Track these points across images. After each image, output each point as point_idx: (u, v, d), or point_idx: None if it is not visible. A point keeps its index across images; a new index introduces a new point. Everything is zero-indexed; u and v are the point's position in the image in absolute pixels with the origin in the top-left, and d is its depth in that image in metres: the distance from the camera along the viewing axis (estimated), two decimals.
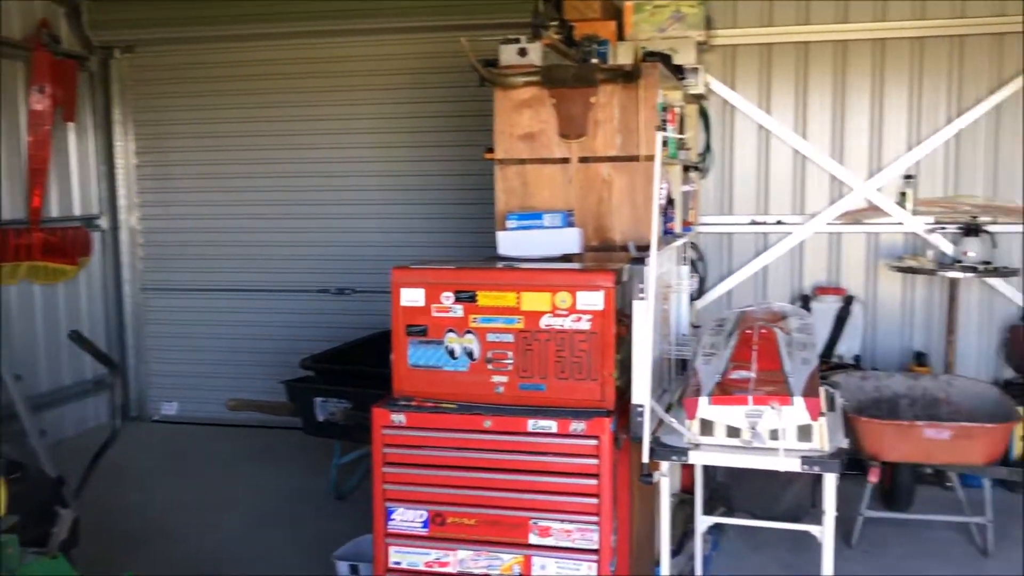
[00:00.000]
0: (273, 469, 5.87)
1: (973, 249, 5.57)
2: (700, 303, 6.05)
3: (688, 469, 4.30)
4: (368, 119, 6.67)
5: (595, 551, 3.17)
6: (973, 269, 5.47)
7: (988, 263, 5.54)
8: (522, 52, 4.25)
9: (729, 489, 4.30)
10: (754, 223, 6.18)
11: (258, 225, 6.93)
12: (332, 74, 6.68)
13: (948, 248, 5.79)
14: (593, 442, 3.14)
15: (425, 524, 3.33)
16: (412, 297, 3.37)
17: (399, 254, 6.23)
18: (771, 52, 6.06)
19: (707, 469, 4.06)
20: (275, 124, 6.79)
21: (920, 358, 5.82)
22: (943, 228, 5.82)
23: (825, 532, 3.22)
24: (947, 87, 5.83)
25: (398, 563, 3.36)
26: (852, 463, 4.66)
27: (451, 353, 3.33)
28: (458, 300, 3.31)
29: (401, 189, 6.67)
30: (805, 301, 6.02)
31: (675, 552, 4.18)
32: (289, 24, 6.53)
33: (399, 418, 3.32)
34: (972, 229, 5.62)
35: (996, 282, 5.79)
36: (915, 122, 5.90)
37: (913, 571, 4.23)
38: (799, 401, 2.92)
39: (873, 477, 4.24)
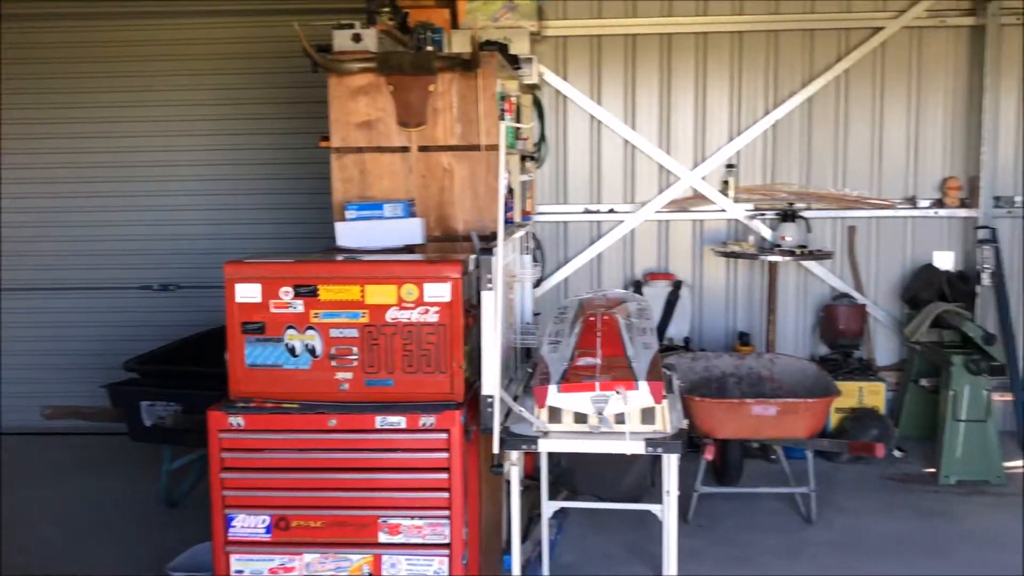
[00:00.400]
0: (96, 478, 5.49)
1: (790, 234, 5.90)
2: (539, 291, 6.12)
3: (531, 456, 4.35)
4: (199, 105, 6.35)
5: (447, 546, 3.13)
6: (790, 253, 5.80)
7: (804, 247, 5.88)
8: (356, 38, 4.13)
9: (573, 473, 4.37)
10: (588, 212, 6.31)
11: (75, 218, 6.46)
12: (158, 58, 6.32)
13: (767, 233, 6.11)
14: (443, 436, 3.10)
15: (268, 529, 3.19)
16: (248, 293, 3.21)
17: (233, 247, 6.00)
18: (601, 44, 6.19)
19: (552, 455, 4.11)
20: (95, 110, 6.34)
21: (744, 338, 6.13)
22: (762, 214, 6.14)
23: (667, 511, 3.32)
24: (764, 80, 6.15)
25: (240, 571, 3.20)
26: (687, 441, 4.87)
27: (292, 351, 3.20)
28: (298, 295, 3.18)
29: (234, 179, 6.39)
30: (637, 287, 6.21)
31: (521, 539, 4.21)
32: (111, 4, 6.17)
33: (237, 421, 3.16)
34: (789, 215, 5.96)
35: (811, 265, 6.17)
36: (736, 113, 6.19)
37: (745, 542, 4.45)
38: (643, 385, 2.99)
39: (709, 455, 4.42)
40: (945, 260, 6.06)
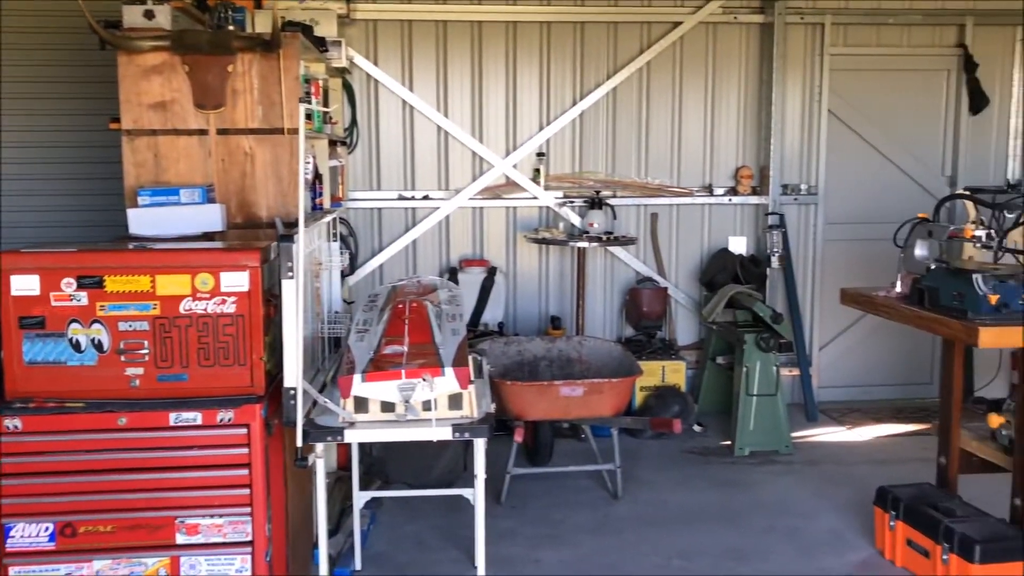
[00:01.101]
0: None
1: (597, 221, 6.09)
2: (353, 279, 6.03)
3: (344, 447, 4.29)
4: None
5: (249, 543, 3.04)
6: (598, 239, 5.98)
7: (610, 233, 6.09)
8: (148, 15, 3.91)
9: (384, 463, 4.35)
10: (402, 198, 6.27)
11: None
12: None
13: (576, 220, 6.28)
14: (242, 431, 3.00)
15: (52, 537, 2.99)
16: (25, 285, 2.99)
17: (18, 236, 5.57)
18: (412, 29, 6.15)
19: (363, 445, 4.07)
20: None
21: (556, 322, 6.28)
22: (571, 202, 6.31)
23: (476, 494, 3.36)
24: (572, 71, 6.29)
25: None
26: (499, 424, 4.94)
27: (76, 346, 3.00)
28: (81, 287, 2.98)
29: (14, 163, 5.90)
30: (453, 273, 6.23)
31: (333, 531, 4.15)
32: None
33: (14, 423, 2.94)
34: (596, 202, 6.15)
35: (617, 250, 6.40)
36: (545, 103, 6.31)
37: (556, 519, 4.57)
38: (449, 371, 3.01)
39: (518, 437, 4.50)
40: (739, 245, 6.44)
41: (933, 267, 3.83)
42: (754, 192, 6.44)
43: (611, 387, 4.63)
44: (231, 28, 4.11)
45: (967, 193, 4.10)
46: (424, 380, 2.97)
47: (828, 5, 6.32)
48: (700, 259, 6.50)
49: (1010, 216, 3.74)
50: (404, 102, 6.19)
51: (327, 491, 3.37)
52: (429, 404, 3.08)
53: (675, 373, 6.03)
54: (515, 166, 6.30)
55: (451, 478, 4.40)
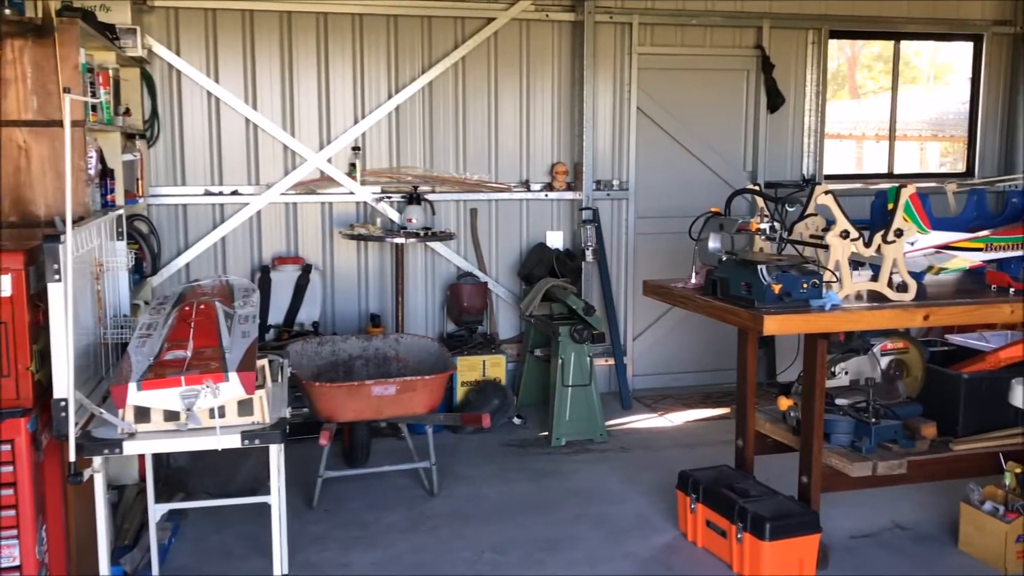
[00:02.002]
0: None
1: (416, 216, 6.04)
2: (156, 279, 5.73)
3: (143, 457, 4.05)
4: None
5: (16, 568, 2.81)
6: (416, 235, 5.93)
7: (429, 229, 6.05)
8: None
9: (185, 472, 4.14)
10: (209, 194, 6.01)
11: None
12: None
13: (395, 216, 6.21)
14: (7, 447, 2.77)
15: None
16: None
17: None
18: (216, 18, 5.89)
19: (160, 455, 3.86)
20: None
21: (375, 319, 6.19)
22: (389, 197, 6.23)
23: (273, 501, 3.24)
24: (387, 64, 6.21)
25: None
26: (311, 427, 4.81)
27: None
28: None
29: None
30: (265, 272, 6.03)
31: (130, 546, 3.93)
32: None
33: None
34: (414, 198, 6.09)
35: (437, 245, 6.37)
36: (360, 96, 6.20)
37: (369, 521, 4.49)
38: (234, 377, 2.88)
39: (324, 440, 4.39)
40: (556, 239, 6.55)
41: (724, 259, 4.00)
42: (569, 188, 6.56)
43: (424, 384, 4.60)
44: (7, 11, 3.79)
45: (754, 188, 4.30)
46: (207, 387, 2.83)
47: (635, 5, 6.52)
48: (519, 254, 6.57)
49: (791, 210, 3.95)
50: (209, 94, 5.93)
51: (127, 505, 3.17)
52: (216, 411, 2.94)
53: (496, 367, 6.06)
54: (330, 160, 6.16)
55: (255, 485, 4.24)
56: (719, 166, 6.87)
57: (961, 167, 7.67)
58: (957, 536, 4.18)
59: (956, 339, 4.90)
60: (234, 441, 2.93)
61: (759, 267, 3.68)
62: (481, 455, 5.45)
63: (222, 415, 2.94)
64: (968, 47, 7.47)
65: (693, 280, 4.17)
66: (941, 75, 7.70)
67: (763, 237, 3.97)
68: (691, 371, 6.93)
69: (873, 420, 4.00)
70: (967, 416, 4.19)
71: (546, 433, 5.74)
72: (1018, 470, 4.02)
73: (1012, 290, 4.03)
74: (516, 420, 6.00)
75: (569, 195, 6.55)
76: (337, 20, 6.09)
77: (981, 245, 4.11)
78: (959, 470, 4.12)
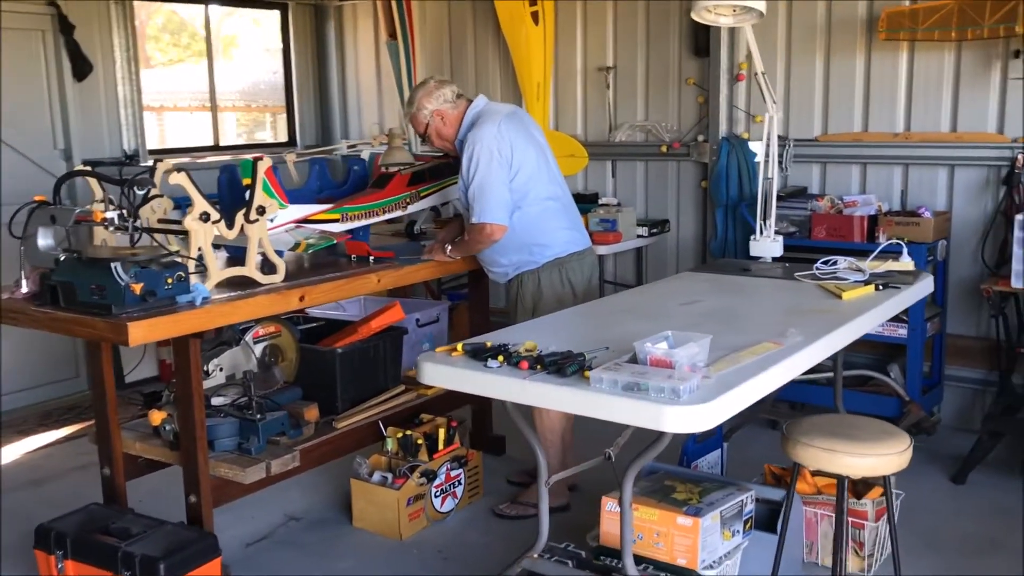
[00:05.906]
0: None
1: None
2: None
3: None
4: None
5: None
6: None
7: None
8: None
9: None
10: None
11: None
12: None
13: None
14: None
15: None
16: None
17: None
18: None
19: None
20: None
21: None
22: None
23: None
24: None
25: None
26: None
27: None
28: None
29: None
30: None
31: None
32: None
33: None
34: None
35: None
36: None
37: None
38: None
39: None
40: None
41: (64, 258, 3.24)
42: None
43: None
44: None
45: (88, 169, 3.58)
46: None
47: None
48: None
49: (140, 192, 3.36)
50: None
51: None
52: None
53: None
54: None
55: None
56: (25, 145, 5.74)
57: (284, 137, 7.72)
58: (352, 514, 4.12)
59: (315, 311, 4.82)
60: None
61: (113, 264, 3.04)
62: None
63: None
64: (275, 15, 7.48)
65: (24, 288, 3.32)
66: (227, 49, 7.46)
67: (111, 228, 3.30)
68: (24, 389, 5.77)
69: (259, 416, 3.66)
70: (344, 390, 4.12)
71: None
72: (399, 435, 4.08)
73: (372, 258, 4.05)
74: None
75: None
76: None
77: (337, 216, 4.03)
78: (347, 446, 4.02)
